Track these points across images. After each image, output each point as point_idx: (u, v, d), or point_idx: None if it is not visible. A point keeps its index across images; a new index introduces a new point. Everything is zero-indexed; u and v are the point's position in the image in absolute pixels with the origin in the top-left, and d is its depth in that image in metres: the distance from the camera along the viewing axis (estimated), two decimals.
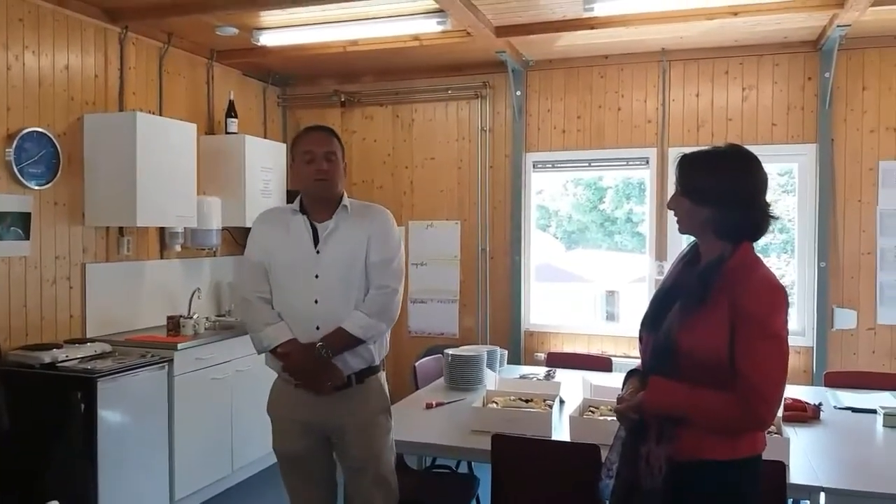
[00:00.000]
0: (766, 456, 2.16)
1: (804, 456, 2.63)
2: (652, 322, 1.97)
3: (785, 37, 4.67)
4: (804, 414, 3.08)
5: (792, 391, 3.47)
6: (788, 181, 5.15)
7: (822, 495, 2.35)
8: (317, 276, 2.52)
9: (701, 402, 1.81)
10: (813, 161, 4.80)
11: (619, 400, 2.00)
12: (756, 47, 4.84)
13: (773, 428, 2.69)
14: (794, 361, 4.76)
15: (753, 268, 1.86)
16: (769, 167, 5.65)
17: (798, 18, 4.26)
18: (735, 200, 1.85)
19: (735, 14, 4.14)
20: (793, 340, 4.94)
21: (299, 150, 2.59)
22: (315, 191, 2.57)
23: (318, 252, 2.54)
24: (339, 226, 2.56)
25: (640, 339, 2.03)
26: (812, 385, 4.39)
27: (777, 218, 1.91)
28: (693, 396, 1.82)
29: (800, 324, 4.88)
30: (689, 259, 2.00)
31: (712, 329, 1.80)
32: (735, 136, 4.88)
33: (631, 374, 2.07)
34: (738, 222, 1.86)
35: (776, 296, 1.82)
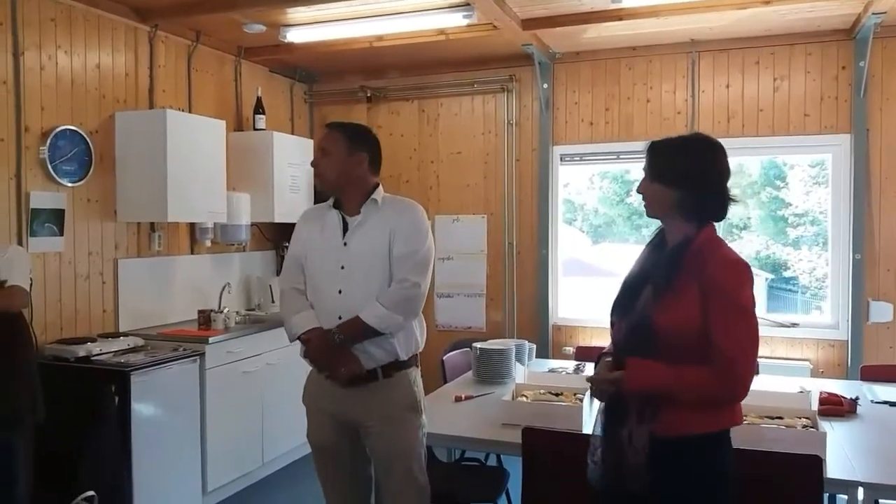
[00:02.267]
0: (803, 450, 2.24)
1: (841, 450, 2.58)
2: (623, 306, 2.05)
3: (818, 25, 4.58)
4: (840, 408, 3.03)
5: (827, 385, 3.42)
6: (820, 172, 5.06)
7: (861, 490, 2.31)
8: (342, 268, 2.56)
9: (681, 378, 1.89)
10: (847, 151, 4.70)
11: (591, 380, 2.06)
12: (788, 36, 4.76)
13: (808, 422, 2.66)
14: (828, 354, 4.71)
15: (718, 246, 1.98)
16: (801, 158, 5.55)
17: (831, 6, 4.18)
18: (702, 182, 1.96)
19: (766, 3, 4.08)
20: (827, 333, 4.89)
21: None
22: (318, 186, 2.68)
23: (345, 244, 2.58)
24: (366, 219, 2.60)
25: (612, 323, 2.09)
26: (847, 379, 4.32)
27: (738, 200, 2.02)
28: (673, 373, 1.89)
29: (834, 317, 4.80)
30: (656, 244, 2.09)
31: (685, 308, 1.89)
32: (766, 127, 4.81)
33: (601, 358, 2.11)
34: (706, 203, 1.97)
35: (743, 271, 1.92)
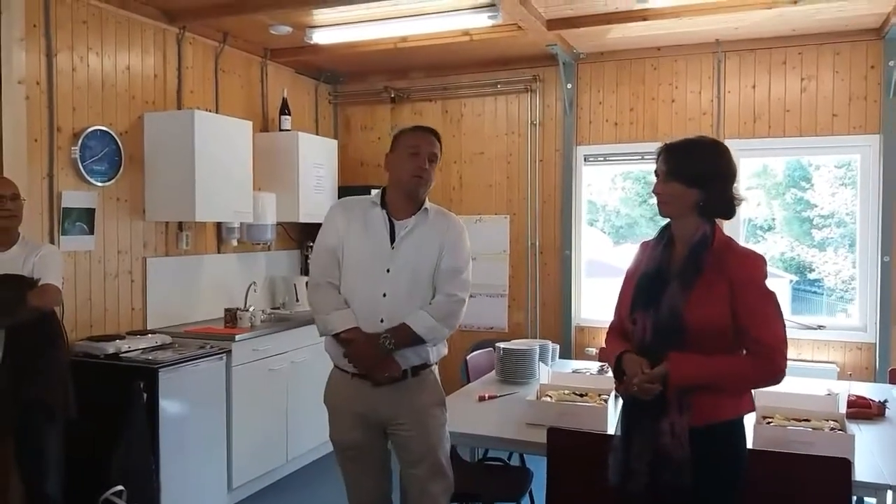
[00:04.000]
0: (831, 453, 2.26)
1: (869, 453, 2.57)
2: (646, 303, 2.09)
3: (846, 25, 4.53)
4: (869, 411, 3.00)
5: (856, 388, 3.39)
6: (846, 174, 5.00)
7: (889, 493, 2.30)
8: (388, 271, 2.56)
9: (724, 368, 2.00)
10: (876, 152, 4.64)
11: (628, 380, 2.05)
12: (816, 36, 4.71)
13: (836, 424, 2.64)
14: (855, 357, 4.66)
15: (733, 243, 2.12)
16: (828, 159, 5.51)
17: (860, 5, 4.13)
18: (717, 179, 2.06)
19: (794, 2, 4.04)
20: (854, 336, 4.84)
21: (405, 143, 2.61)
22: (410, 185, 2.59)
23: (393, 248, 2.58)
24: (417, 227, 2.60)
25: (634, 321, 2.12)
26: (874, 382, 4.27)
27: (744, 200, 2.14)
28: (716, 364, 1.99)
29: (861, 320, 4.75)
30: (666, 243, 2.16)
31: (715, 302, 1.98)
32: (793, 128, 4.76)
33: (621, 357, 2.13)
34: (723, 202, 2.07)
35: (764, 263, 2.07)
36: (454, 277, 2.58)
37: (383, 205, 2.63)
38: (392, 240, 2.58)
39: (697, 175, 2.05)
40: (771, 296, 2.02)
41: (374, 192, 2.73)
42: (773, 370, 1.99)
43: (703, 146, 2.13)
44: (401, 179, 2.60)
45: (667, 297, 2.03)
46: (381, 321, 2.52)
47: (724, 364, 2.00)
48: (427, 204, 2.65)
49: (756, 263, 2.05)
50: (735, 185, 2.10)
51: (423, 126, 2.72)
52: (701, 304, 1.98)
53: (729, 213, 2.10)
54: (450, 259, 2.59)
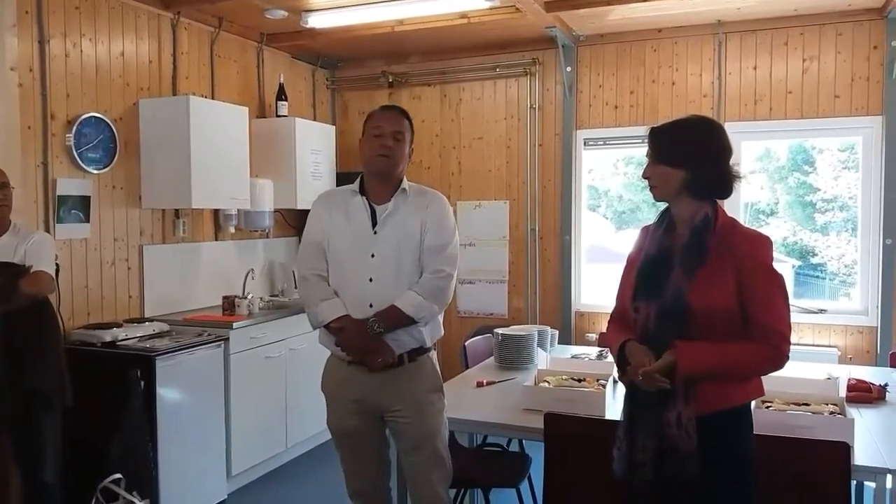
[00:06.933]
0: (830, 437, 2.22)
1: (869, 437, 2.54)
2: (649, 290, 2.03)
3: (849, 4, 4.47)
4: (869, 395, 2.97)
5: (856, 371, 3.37)
6: (850, 157, 4.95)
7: (889, 477, 2.28)
8: (373, 256, 2.55)
9: (733, 355, 1.94)
10: (878, 134, 4.59)
11: (633, 371, 1.99)
12: (817, 16, 4.65)
13: (836, 408, 2.62)
14: (856, 341, 4.64)
15: (738, 224, 2.07)
16: (830, 141, 5.44)
17: None
18: (704, 158, 1.99)
19: None
20: (856, 320, 4.80)
21: (370, 125, 2.61)
22: (376, 167, 2.59)
23: (375, 233, 2.57)
24: (397, 208, 2.59)
25: (637, 309, 2.06)
26: (876, 365, 4.24)
27: (742, 177, 2.05)
28: (724, 352, 1.93)
29: (863, 303, 4.72)
30: (666, 226, 2.09)
31: (721, 286, 1.93)
32: (795, 110, 4.71)
33: (624, 346, 2.07)
34: (712, 180, 2.00)
35: (770, 245, 2.01)
36: (439, 253, 2.56)
37: (362, 192, 2.63)
38: (374, 225, 2.58)
39: (680, 155, 1.99)
40: (778, 279, 1.97)
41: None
42: (779, 356, 1.94)
43: (686, 126, 2.07)
44: (368, 162, 2.60)
45: (670, 282, 1.97)
46: (370, 306, 2.51)
47: (731, 351, 1.93)
48: (405, 184, 2.63)
49: (763, 245, 1.99)
50: (729, 161, 2.02)
51: (389, 105, 2.72)
52: (706, 289, 1.92)
53: (723, 191, 2.03)
54: (433, 236, 2.57)
